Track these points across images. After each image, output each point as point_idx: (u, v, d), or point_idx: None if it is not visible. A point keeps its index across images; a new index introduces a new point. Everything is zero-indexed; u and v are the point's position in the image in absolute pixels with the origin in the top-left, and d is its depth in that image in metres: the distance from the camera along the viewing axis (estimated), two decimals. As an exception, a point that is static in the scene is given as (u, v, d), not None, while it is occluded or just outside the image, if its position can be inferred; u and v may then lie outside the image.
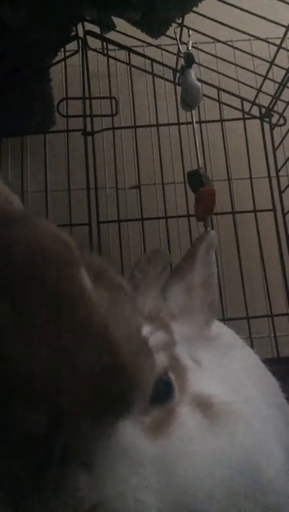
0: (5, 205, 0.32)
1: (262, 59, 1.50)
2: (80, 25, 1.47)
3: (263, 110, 1.60)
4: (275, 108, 1.59)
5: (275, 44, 1.41)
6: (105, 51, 1.56)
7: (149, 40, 1.48)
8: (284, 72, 1.45)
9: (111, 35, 1.50)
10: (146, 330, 0.40)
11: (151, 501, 0.35)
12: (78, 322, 0.29)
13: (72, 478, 0.33)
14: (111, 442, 0.35)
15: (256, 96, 1.60)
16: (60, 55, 1.54)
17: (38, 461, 0.32)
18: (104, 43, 1.54)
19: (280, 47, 1.40)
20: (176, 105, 1.49)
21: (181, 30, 1.32)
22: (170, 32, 1.38)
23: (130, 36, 1.50)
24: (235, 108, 1.58)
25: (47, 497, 0.32)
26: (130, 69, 1.59)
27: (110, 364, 0.29)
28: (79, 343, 0.28)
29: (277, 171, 1.56)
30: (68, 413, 0.29)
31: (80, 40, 1.48)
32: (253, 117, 1.60)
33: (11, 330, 0.27)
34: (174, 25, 1.35)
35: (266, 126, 1.59)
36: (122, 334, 0.31)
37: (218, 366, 0.52)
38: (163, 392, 0.40)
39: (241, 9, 1.32)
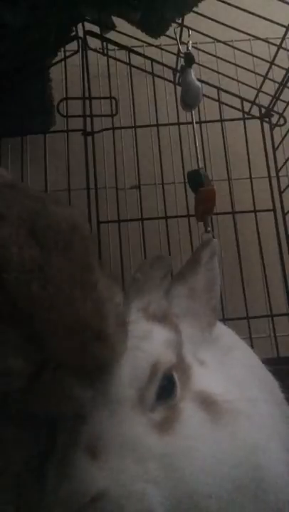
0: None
1: (262, 59, 1.50)
2: (80, 25, 1.47)
3: (263, 110, 1.60)
4: (275, 108, 1.59)
5: (275, 44, 1.42)
6: (105, 51, 1.56)
7: (149, 40, 1.48)
8: (284, 72, 1.45)
9: (111, 35, 1.51)
10: (156, 329, 0.43)
11: (154, 493, 0.36)
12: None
13: (77, 465, 0.33)
14: (118, 433, 0.35)
15: (256, 96, 1.60)
16: (60, 55, 1.54)
17: (42, 447, 0.32)
18: (104, 43, 1.54)
19: (280, 47, 1.40)
20: (176, 105, 1.49)
21: (181, 30, 1.32)
22: (170, 32, 1.38)
23: (130, 36, 1.50)
24: (235, 108, 1.58)
25: (50, 485, 0.32)
26: (130, 69, 1.58)
27: (97, 329, 0.36)
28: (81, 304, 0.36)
29: (277, 171, 1.56)
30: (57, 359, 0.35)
31: (80, 40, 1.48)
32: (253, 117, 1.60)
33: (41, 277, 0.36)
34: (174, 25, 1.35)
35: (266, 126, 1.59)
36: (111, 310, 0.38)
37: (219, 366, 0.53)
38: (166, 389, 0.41)
39: (241, 9, 1.32)
